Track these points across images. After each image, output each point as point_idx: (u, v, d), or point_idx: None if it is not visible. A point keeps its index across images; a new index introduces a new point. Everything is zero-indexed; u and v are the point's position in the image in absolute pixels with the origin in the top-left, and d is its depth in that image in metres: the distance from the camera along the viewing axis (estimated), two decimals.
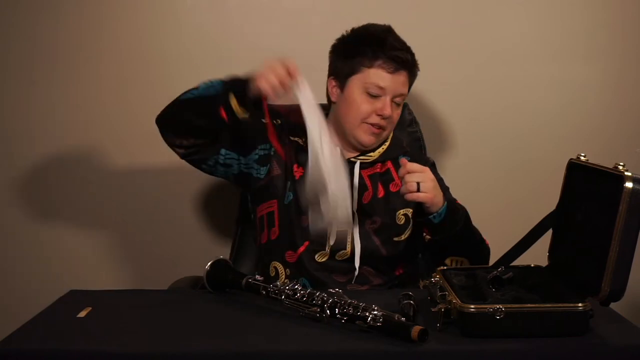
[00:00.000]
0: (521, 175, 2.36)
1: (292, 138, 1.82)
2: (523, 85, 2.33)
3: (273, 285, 1.46)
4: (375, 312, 1.29)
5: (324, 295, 1.38)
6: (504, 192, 2.36)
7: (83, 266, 2.36)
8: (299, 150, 1.78)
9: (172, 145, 1.77)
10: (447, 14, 2.29)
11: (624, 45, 2.32)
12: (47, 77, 2.29)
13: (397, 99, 1.78)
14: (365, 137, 1.77)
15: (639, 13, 2.31)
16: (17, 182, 2.34)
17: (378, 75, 1.74)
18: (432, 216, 1.64)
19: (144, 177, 2.34)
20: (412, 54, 1.80)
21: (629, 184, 1.25)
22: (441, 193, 1.64)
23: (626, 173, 1.26)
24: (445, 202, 1.64)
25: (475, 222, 1.76)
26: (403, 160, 1.73)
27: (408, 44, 1.80)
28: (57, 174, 2.33)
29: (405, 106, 2.09)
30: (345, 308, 1.33)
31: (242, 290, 1.52)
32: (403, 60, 1.75)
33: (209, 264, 1.58)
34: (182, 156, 1.78)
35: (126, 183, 2.35)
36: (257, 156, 1.81)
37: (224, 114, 1.65)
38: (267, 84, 1.59)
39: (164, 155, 2.23)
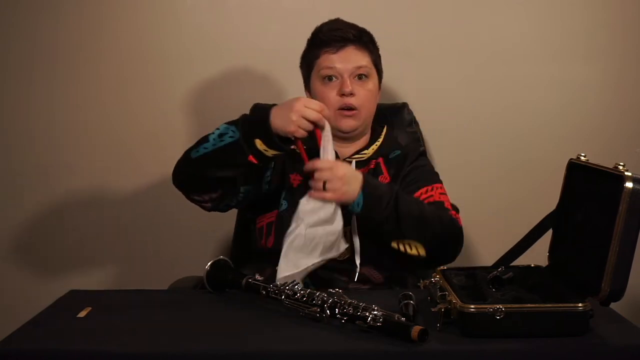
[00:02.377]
0: (521, 175, 2.36)
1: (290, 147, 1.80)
2: (523, 85, 2.33)
3: (273, 285, 1.46)
4: (375, 312, 1.29)
5: (324, 295, 1.38)
6: (504, 192, 2.36)
7: (83, 266, 2.36)
8: (297, 159, 1.76)
9: (198, 202, 1.74)
10: (447, 14, 2.29)
11: (624, 45, 2.32)
12: (47, 77, 2.30)
13: (359, 71, 1.77)
14: (342, 123, 1.77)
15: (639, 13, 2.31)
16: (17, 182, 2.34)
17: (326, 60, 1.78)
18: (350, 207, 1.61)
19: (144, 177, 2.34)
20: (356, 29, 1.80)
21: (629, 184, 1.25)
22: (353, 186, 1.59)
23: (626, 173, 1.26)
24: (361, 192, 1.59)
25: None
26: (310, 162, 1.63)
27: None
28: (56, 174, 2.33)
29: (405, 106, 2.09)
30: (345, 308, 1.33)
31: (242, 290, 1.52)
32: (343, 37, 1.77)
33: (209, 264, 1.58)
34: (209, 210, 1.77)
35: (126, 183, 2.35)
36: (268, 178, 1.80)
37: (253, 159, 1.61)
38: (301, 131, 1.57)
39: (164, 155, 2.24)
